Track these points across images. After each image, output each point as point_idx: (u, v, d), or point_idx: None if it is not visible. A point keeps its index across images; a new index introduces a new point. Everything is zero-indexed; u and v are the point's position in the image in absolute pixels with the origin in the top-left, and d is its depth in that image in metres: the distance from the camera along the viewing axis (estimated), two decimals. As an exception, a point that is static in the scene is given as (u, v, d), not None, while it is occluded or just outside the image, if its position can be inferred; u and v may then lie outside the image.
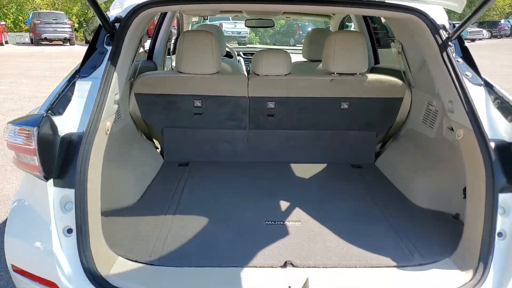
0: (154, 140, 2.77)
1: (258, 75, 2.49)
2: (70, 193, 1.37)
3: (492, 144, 1.43)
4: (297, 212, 1.93)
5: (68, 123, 1.44)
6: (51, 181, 1.37)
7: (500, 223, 1.37)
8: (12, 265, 1.46)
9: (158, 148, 2.74)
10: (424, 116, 2.29)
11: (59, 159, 1.37)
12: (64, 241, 1.36)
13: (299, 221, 1.84)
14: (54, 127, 1.37)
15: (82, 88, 1.52)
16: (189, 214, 1.88)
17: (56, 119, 1.40)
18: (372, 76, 2.51)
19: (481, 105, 1.54)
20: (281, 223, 1.80)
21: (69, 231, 1.37)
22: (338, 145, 2.63)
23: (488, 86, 1.62)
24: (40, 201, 1.40)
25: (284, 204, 2.02)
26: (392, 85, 2.46)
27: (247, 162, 2.60)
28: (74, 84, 1.53)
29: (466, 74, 1.62)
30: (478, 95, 1.56)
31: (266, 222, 1.81)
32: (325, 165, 2.57)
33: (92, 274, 1.33)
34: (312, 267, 1.49)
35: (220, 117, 2.57)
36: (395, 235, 1.74)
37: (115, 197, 1.91)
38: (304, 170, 2.49)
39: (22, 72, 10.49)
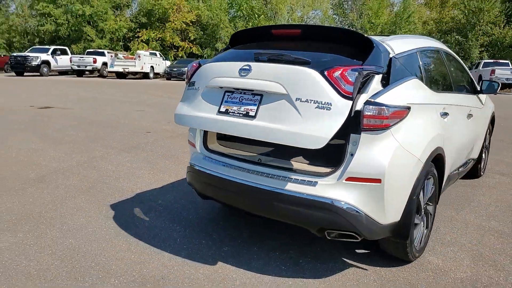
0: None
1: None
2: None
3: (354, 111, 2.31)
4: None
5: None
6: None
7: (351, 149, 2.38)
8: (188, 140, 3.20)
9: None
10: None
11: None
12: (198, 134, 3.07)
13: None
14: None
15: None
16: None
17: None
18: None
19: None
20: None
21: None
22: None
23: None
24: None
25: None
26: None
27: None
28: None
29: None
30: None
31: None
32: None
33: (205, 143, 3.04)
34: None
35: None
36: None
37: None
38: None
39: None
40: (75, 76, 27.11)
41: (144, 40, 34.00)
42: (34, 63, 24.96)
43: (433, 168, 2.87)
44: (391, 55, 2.63)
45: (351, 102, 2.28)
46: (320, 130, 2.23)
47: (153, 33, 34.03)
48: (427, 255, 2.98)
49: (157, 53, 29.71)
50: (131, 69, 25.49)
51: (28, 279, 2.56)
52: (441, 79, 3.51)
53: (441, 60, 3.58)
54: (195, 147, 3.19)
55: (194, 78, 2.87)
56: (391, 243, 2.71)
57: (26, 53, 26.12)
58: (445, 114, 3.10)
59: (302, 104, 2.31)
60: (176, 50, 34.79)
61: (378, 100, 2.38)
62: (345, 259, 2.90)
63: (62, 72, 27.90)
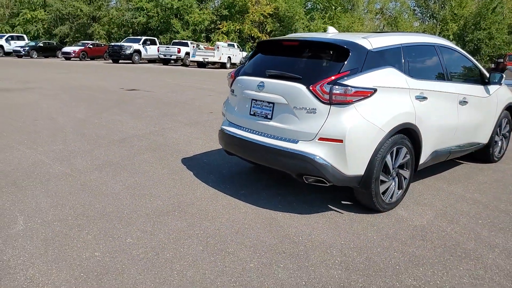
0: None
1: None
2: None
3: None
4: None
5: None
6: None
7: None
8: (222, 112, 4.67)
9: None
10: None
11: None
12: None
13: None
14: None
15: None
16: None
17: None
18: None
19: None
20: None
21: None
22: None
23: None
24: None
25: None
26: None
27: None
28: None
29: None
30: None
31: None
32: None
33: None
34: None
35: None
36: None
37: None
38: None
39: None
40: (162, 64, 29.85)
41: (224, 32, 35.99)
42: (127, 52, 28.13)
43: (406, 139, 3.60)
44: (368, 49, 3.42)
45: (329, 106, 3.24)
46: (311, 128, 3.28)
47: (233, 25, 35.86)
48: (399, 210, 3.73)
49: (235, 44, 31.40)
50: (210, 59, 27.45)
51: (106, 197, 3.83)
52: (426, 69, 4.13)
53: (434, 54, 4.19)
54: (225, 116, 4.25)
55: (233, 86, 4.08)
56: (359, 192, 3.53)
57: (121, 43, 29.49)
58: (423, 98, 3.77)
59: (298, 110, 3.38)
60: (253, 41, 36.29)
61: (345, 82, 3.21)
62: (329, 205, 3.77)
63: (151, 60, 30.92)
